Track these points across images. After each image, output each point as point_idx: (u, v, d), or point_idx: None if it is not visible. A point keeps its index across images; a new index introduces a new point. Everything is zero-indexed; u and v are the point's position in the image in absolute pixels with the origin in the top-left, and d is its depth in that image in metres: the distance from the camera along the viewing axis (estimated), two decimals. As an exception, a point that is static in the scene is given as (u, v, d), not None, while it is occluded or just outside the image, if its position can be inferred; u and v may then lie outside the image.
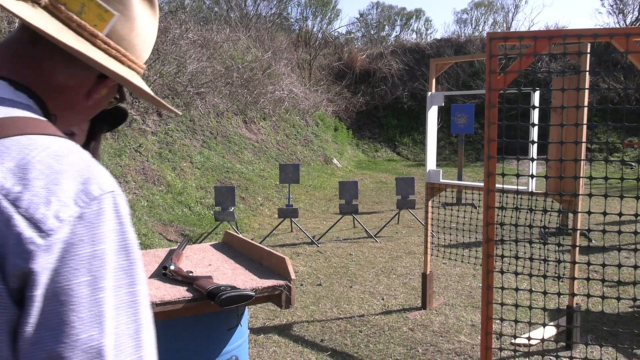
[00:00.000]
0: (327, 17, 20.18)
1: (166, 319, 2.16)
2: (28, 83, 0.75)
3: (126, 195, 6.81)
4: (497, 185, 3.88)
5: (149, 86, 9.37)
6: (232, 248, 2.90)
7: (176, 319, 2.21)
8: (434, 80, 4.51)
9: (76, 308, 0.61)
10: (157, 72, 9.94)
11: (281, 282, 2.30)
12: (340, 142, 16.84)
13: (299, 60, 18.81)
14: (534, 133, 3.70)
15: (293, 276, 2.32)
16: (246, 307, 2.52)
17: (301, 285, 5.36)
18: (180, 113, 1.03)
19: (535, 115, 3.80)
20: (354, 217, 7.77)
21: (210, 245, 2.98)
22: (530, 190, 3.78)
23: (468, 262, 5.85)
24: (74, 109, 0.81)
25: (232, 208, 6.77)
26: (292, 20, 20.59)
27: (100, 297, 0.63)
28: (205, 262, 2.63)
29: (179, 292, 2.18)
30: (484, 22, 22.17)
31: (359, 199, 10.44)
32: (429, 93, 4.45)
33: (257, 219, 8.37)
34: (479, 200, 4.87)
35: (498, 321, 4.19)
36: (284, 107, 14.47)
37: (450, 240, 6.77)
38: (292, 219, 7.48)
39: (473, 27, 22.37)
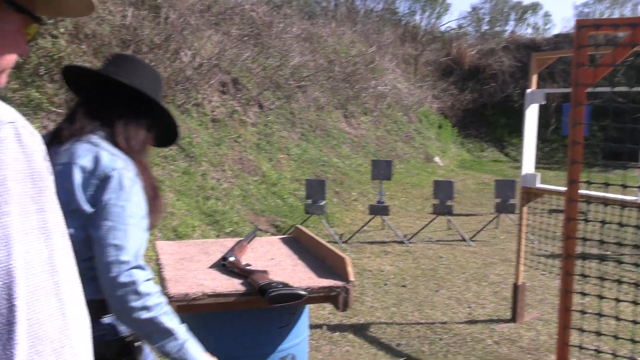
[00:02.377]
0: (436, 11, 19.60)
1: (220, 310, 2.12)
2: None
3: (221, 184, 7.01)
4: (598, 194, 3.49)
5: (252, 79, 9.61)
6: (299, 244, 2.82)
7: (231, 311, 2.17)
8: (535, 77, 4.15)
9: None
10: (260, 65, 10.15)
11: (339, 284, 2.18)
12: (443, 140, 16.32)
13: (404, 55, 18.46)
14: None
15: (352, 278, 2.19)
16: (307, 305, 2.44)
17: (385, 284, 5.20)
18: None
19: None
20: (448, 218, 7.45)
21: (279, 238, 2.93)
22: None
23: (588, 277, 5.36)
24: None
25: (323, 202, 6.74)
26: (400, 14, 20.24)
27: (5, 221, 0.63)
28: (269, 255, 2.58)
29: (233, 285, 2.13)
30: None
31: (458, 200, 10.03)
32: (528, 90, 4.10)
33: (349, 214, 8.29)
34: (590, 211, 4.44)
35: (607, 342, 3.78)
36: (386, 102, 14.25)
37: (553, 251, 6.26)
38: (383, 217, 7.32)
39: (597, 21, 20.68)
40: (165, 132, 1.74)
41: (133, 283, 1.35)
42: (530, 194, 4.18)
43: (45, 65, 5.86)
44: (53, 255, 0.68)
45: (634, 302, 2.13)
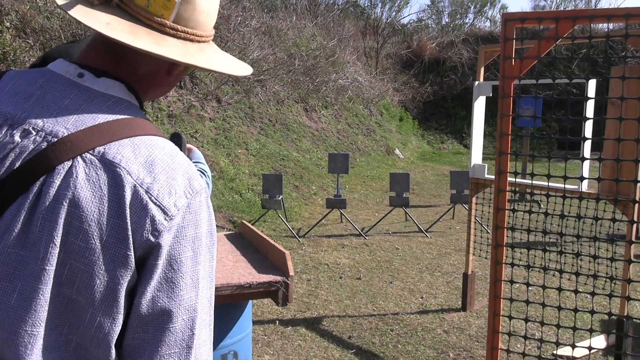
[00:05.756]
0: (396, 4, 19.70)
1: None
2: (128, 79, 0.89)
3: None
4: (543, 183, 3.59)
5: (209, 73, 9.49)
6: (244, 239, 2.82)
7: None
8: (482, 69, 4.23)
9: (184, 275, 0.80)
10: (218, 59, 10.04)
11: (278, 279, 2.19)
12: (404, 132, 16.48)
13: (365, 48, 18.52)
14: (588, 128, 3.38)
15: (291, 272, 2.20)
16: (249, 301, 2.44)
17: (340, 278, 5.24)
18: (249, 72, 1.02)
19: (589, 108, 3.46)
20: (405, 210, 7.54)
21: (224, 235, 2.92)
22: (580, 190, 3.47)
23: (519, 265, 5.50)
24: (159, 87, 0.96)
25: (280, 196, 6.73)
26: (361, 7, 20.27)
27: (198, 268, 0.82)
28: (211, 252, 2.57)
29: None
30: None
31: (417, 192, 10.17)
32: (476, 83, 4.17)
33: (308, 208, 8.30)
34: (545, 201, 4.55)
35: (538, 328, 3.90)
36: (347, 95, 14.29)
37: (506, 242, 6.40)
38: (341, 210, 7.36)
39: (553, 14, 21.10)
40: None
41: None
42: (479, 185, 4.26)
43: (-12, 60, 5.67)
44: (212, 295, 0.87)
45: (559, 289, 2.20)
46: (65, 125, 0.79)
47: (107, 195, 0.76)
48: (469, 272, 4.39)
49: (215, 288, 2.14)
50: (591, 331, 2.16)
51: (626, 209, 3.22)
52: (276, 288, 2.19)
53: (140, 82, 0.91)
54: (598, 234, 6.45)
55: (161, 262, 0.77)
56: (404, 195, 7.04)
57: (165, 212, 0.77)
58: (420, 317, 4.31)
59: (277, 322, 4.17)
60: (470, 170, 4.28)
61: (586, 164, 3.45)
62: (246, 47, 10.94)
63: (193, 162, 1.85)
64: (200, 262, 0.82)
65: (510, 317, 2.25)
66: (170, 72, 0.94)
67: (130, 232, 0.76)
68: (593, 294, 2.23)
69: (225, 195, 7.47)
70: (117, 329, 0.78)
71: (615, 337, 3.63)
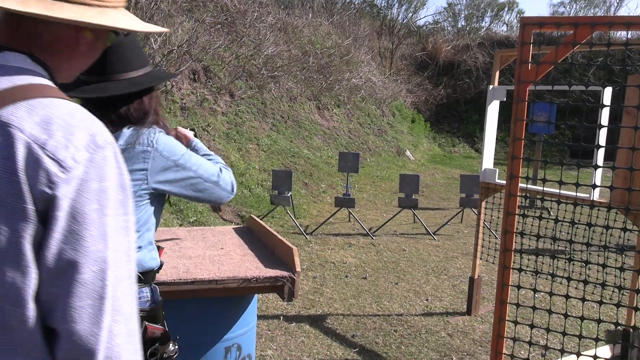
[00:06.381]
0: (412, 5, 19.63)
1: (163, 298, 2.12)
2: (32, 51, 0.91)
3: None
4: (555, 191, 3.57)
5: (224, 67, 9.52)
6: (253, 234, 2.83)
7: (174, 300, 2.16)
8: (497, 73, 4.20)
9: (88, 227, 0.81)
10: (232, 53, 10.07)
11: (284, 274, 2.20)
12: (416, 134, 16.43)
13: (380, 48, 18.48)
14: (602, 136, 3.35)
15: (298, 268, 2.21)
16: (255, 295, 2.44)
17: (346, 277, 5.24)
18: (159, 29, 1.04)
19: (604, 116, 3.43)
20: (413, 212, 7.52)
21: (232, 228, 2.93)
22: (592, 199, 3.44)
23: (526, 271, 5.46)
24: (72, 58, 0.96)
25: (289, 193, 6.74)
26: (378, 7, 20.21)
27: (105, 220, 0.83)
28: (219, 245, 2.58)
29: (177, 274, 2.13)
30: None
31: (426, 194, 10.14)
32: (490, 87, 4.15)
33: (317, 206, 8.31)
34: (556, 208, 4.52)
35: (543, 335, 3.88)
36: (360, 95, 14.27)
37: (515, 247, 6.37)
38: (349, 209, 7.35)
39: (571, 21, 20.91)
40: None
41: None
42: (489, 189, 4.24)
43: None
44: (129, 247, 0.88)
45: (566, 296, 2.19)
46: None
47: (1, 154, 0.79)
48: (476, 276, 4.37)
49: (222, 281, 2.15)
50: (597, 340, 2.15)
51: (637, 219, 3.19)
52: (282, 283, 2.19)
53: (47, 52, 0.93)
54: (608, 244, 6.40)
55: (62, 214, 0.79)
56: (413, 196, 7.02)
57: (60, 165, 0.80)
58: (425, 319, 4.30)
59: (281, 317, 4.18)
60: (481, 174, 4.26)
61: (598, 172, 3.42)
62: (261, 43, 10.95)
63: (202, 155, 1.85)
64: (109, 215, 0.83)
65: (515, 323, 2.24)
66: (78, 40, 0.95)
67: (26, 186, 0.78)
68: (601, 302, 2.21)
69: (235, 190, 7.49)
70: (30, 284, 0.79)
71: (620, 347, 3.60)
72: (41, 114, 0.82)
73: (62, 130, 0.82)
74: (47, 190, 0.79)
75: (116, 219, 0.85)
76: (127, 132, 1.59)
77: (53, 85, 0.91)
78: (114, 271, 0.84)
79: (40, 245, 0.80)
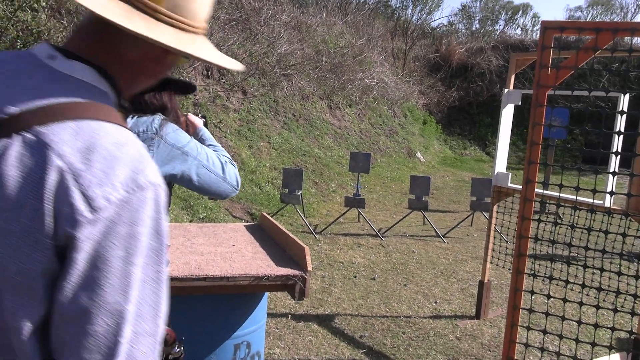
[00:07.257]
0: (427, 6, 19.56)
1: (174, 294, 2.12)
2: (106, 65, 0.87)
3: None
4: (569, 196, 3.53)
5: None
6: (264, 231, 2.82)
7: (185, 296, 2.16)
8: (512, 77, 4.17)
9: (109, 275, 0.73)
10: (246, 50, 10.08)
11: (296, 273, 2.19)
12: (427, 136, 16.37)
13: (393, 49, 18.43)
14: (618, 142, 3.32)
15: (309, 267, 2.20)
16: (265, 293, 2.44)
17: (354, 277, 5.23)
18: (240, 68, 1.02)
19: (622, 122, 3.39)
20: (423, 213, 7.50)
21: (244, 225, 2.93)
22: (609, 206, 3.41)
23: (536, 277, 5.43)
24: (147, 76, 0.94)
25: (299, 191, 6.74)
26: (392, 7, 20.15)
27: (130, 270, 0.75)
28: (231, 242, 2.58)
29: (189, 269, 2.13)
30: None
31: (436, 196, 10.10)
32: (505, 90, 4.12)
33: (326, 205, 8.30)
34: (568, 214, 4.49)
35: (552, 341, 3.85)
36: (372, 95, 14.24)
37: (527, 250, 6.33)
38: (359, 209, 7.34)
39: (586, 26, 20.74)
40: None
41: None
42: (501, 193, 4.21)
43: (22, 39, 5.76)
44: (159, 302, 0.80)
45: (580, 303, 2.17)
46: (17, 104, 0.77)
47: (32, 177, 0.73)
48: (485, 280, 4.35)
49: (233, 278, 2.15)
50: (610, 348, 2.13)
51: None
52: (293, 282, 2.19)
53: (125, 68, 0.90)
54: (623, 251, 6.34)
55: (82, 257, 0.72)
56: (424, 198, 6.99)
57: (89, 204, 0.72)
58: (433, 322, 4.28)
59: (290, 316, 4.17)
60: (493, 177, 4.24)
61: (613, 178, 3.38)
62: (275, 41, 10.95)
63: (208, 145, 1.84)
64: (136, 264, 0.75)
65: (528, 328, 2.22)
66: (159, 60, 0.93)
67: (50, 219, 0.72)
68: (615, 310, 2.18)
69: (245, 187, 7.50)
70: (34, 319, 0.74)
71: (631, 356, 3.57)
72: (85, 139, 0.75)
73: (102, 162, 0.75)
74: (68, 229, 0.72)
75: (145, 268, 0.77)
76: (130, 121, 1.58)
77: (111, 106, 0.85)
78: (133, 327, 0.76)
79: (56, 283, 0.74)
